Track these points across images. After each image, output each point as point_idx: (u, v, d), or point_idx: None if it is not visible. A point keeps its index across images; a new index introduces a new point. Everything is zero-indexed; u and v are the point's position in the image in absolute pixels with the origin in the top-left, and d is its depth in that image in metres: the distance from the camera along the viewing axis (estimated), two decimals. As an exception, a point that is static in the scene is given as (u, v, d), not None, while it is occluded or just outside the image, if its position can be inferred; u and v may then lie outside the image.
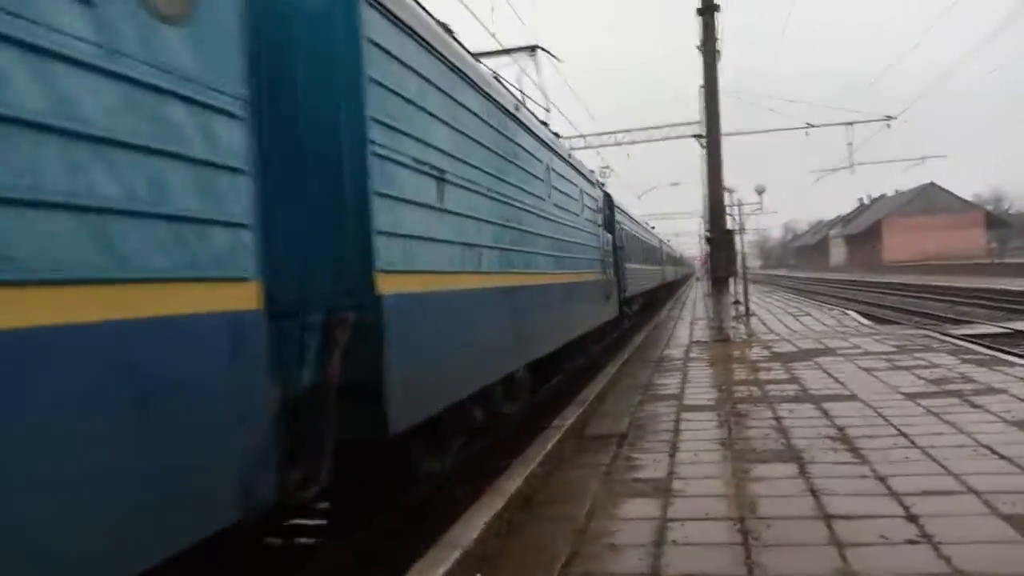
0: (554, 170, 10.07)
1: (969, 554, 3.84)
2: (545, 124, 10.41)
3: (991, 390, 8.21)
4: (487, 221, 6.61)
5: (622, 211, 21.29)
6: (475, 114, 6.40)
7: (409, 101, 4.86)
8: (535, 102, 12.76)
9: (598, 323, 13.56)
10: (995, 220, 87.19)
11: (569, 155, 11.96)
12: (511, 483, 5.87)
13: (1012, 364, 10.03)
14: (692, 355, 13.83)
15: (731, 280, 18.16)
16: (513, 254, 7.42)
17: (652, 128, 35.60)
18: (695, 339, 16.89)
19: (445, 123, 5.57)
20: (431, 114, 5.28)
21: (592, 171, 15.29)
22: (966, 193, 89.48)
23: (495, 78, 8.09)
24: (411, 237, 4.77)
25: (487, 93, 6.87)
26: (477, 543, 4.57)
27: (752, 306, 24.74)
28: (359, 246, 4.16)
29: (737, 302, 24.82)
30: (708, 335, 16.98)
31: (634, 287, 21.53)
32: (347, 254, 4.17)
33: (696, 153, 25.66)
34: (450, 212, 5.57)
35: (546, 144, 9.71)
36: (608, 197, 18.24)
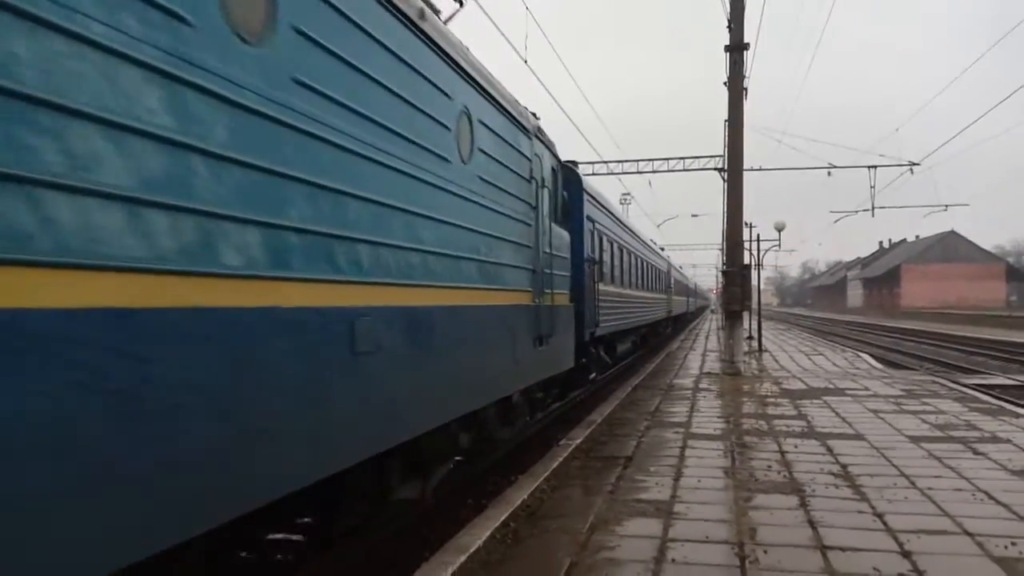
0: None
1: (958, 591, 3.97)
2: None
3: (995, 439, 8.29)
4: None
5: (600, 205, 13.84)
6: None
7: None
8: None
9: (520, 384, 7.64)
10: (1015, 272, 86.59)
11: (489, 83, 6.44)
12: (517, 495, 6.05)
13: (1018, 415, 10.09)
14: (702, 385, 13.94)
15: (745, 315, 18.24)
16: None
17: (675, 159, 35.84)
18: (706, 370, 16.99)
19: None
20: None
21: (527, 112, 7.91)
22: (986, 244, 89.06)
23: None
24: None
25: None
26: (482, 549, 4.75)
27: (765, 342, 24.80)
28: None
29: (751, 337, 24.85)
30: (719, 367, 17.07)
31: (615, 320, 14.87)
32: None
33: (718, 186, 25.12)
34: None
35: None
36: (570, 173, 11.49)
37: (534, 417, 9.55)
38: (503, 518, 5.40)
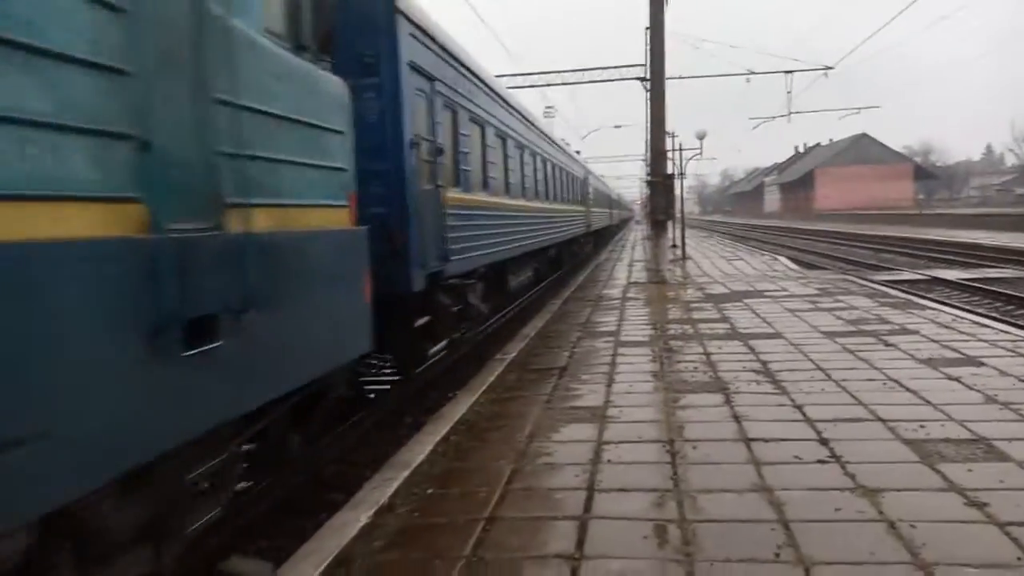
0: None
1: (872, 472, 4.27)
2: None
3: (904, 331, 8.81)
4: None
5: (454, 60, 9.01)
6: None
7: None
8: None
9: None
10: (923, 172, 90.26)
11: None
12: (456, 409, 6.16)
13: (924, 308, 10.71)
14: (629, 295, 14.28)
15: (669, 224, 18.60)
16: None
17: (598, 69, 35.59)
18: (633, 280, 17.37)
19: None
20: None
21: None
22: (897, 145, 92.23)
23: None
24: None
25: None
26: (425, 464, 4.85)
27: (689, 250, 25.42)
28: None
29: (675, 246, 25.43)
30: (645, 277, 17.48)
31: (492, 246, 10.52)
32: None
33: (640, 96, 24.82)
34: None
35: None
36: None
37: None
38: (443, 432, 5.51)
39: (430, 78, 7.89)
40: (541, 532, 3.69)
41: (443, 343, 8.54)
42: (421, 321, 7.63)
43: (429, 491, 4.37)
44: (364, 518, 3.98)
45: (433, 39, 8.10)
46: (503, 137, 12.16)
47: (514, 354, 8.55)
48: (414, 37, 7.40)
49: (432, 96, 7.95)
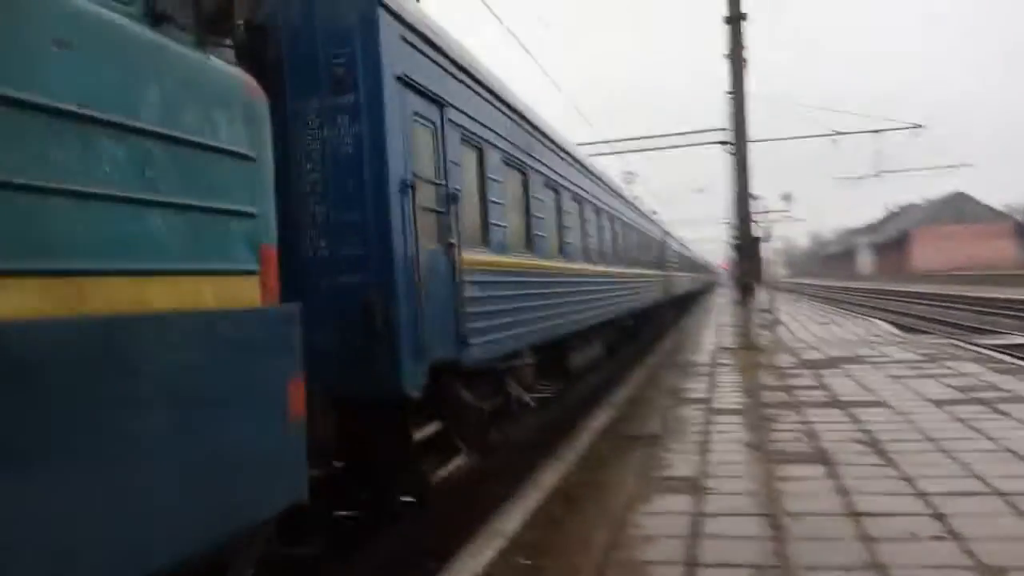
0: None
1: (994, 550, 4.02)
2: None
3: (1018, 398, 8.31)
4: None
5: (469, 78, 6.96)
6: None
7: None
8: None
9: None
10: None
11: None
12: (549, 478, 6.13)
13: (1040, 373, 10.10)
14: (719, 361, 13.98)
15: (757, 287, 18.24)
16: None
17: (677, 134, 35.69)
18: (721, 345, 17.02)
19: None
20: None
21: None
22: (995, 203, 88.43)
23: None
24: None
25: None
26: (520, 532, 4.83)
27: (778, 314, 24.77)
28: None
29: (764, 310, 24.86)
30: (735, 342, 17.10)
31: (538, 321, 8.31)
32: None
33: (720, 160, 24.32)
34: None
35: None
36: None
37: None
38: (537, 500, 5.48)
39: (438, 102, 6.13)
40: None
41: (458, 461, 6.08)
42: (425, 431, 5.58)
43: (526, 561, 4.34)
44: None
45: (441, 52, 6.24)
46: (555, 188, 10.17)
47: (604, 421, 8.46)
48: (409, 44, 5.61)
49: (442, 126, 6.19)
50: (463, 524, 5.34)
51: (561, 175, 10.55)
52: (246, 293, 3.12)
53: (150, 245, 2.61)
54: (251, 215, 3.17)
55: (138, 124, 2.61)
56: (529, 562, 4.33)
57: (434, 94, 6.04)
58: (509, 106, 8.18)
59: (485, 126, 7.30)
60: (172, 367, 2.61)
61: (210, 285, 2.91)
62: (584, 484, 5.96)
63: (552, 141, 10.15)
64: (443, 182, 6.09)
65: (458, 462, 6.05)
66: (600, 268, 12.86)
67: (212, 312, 2.89)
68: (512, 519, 5.10)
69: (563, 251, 10.24)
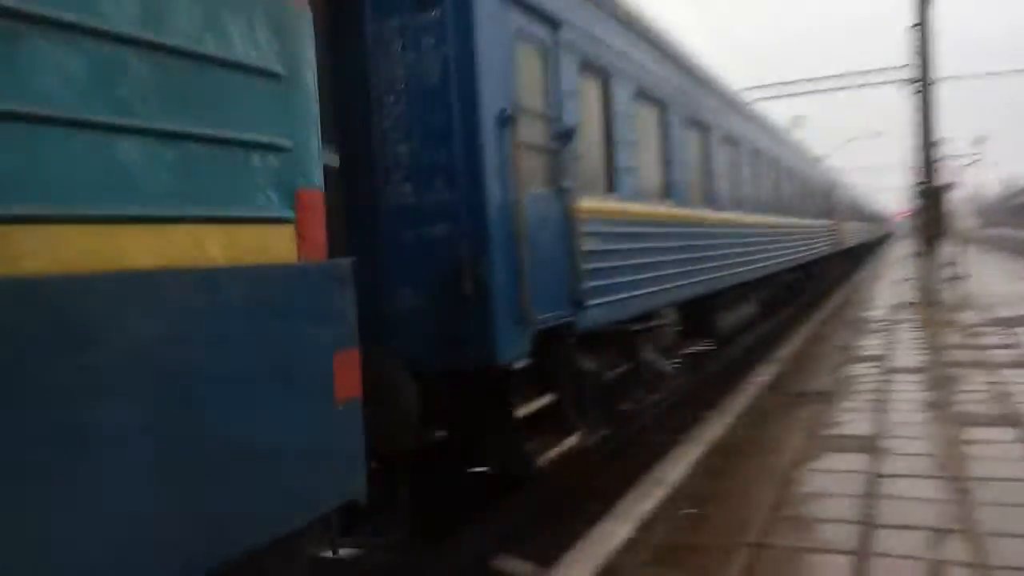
0: None
1: None
2: None
3: None
4: None
5: None
6: None
7: None
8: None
9: None
10: None
11: None
12: (710, 432, 6.10)
13: None
14: (897, 318, 13.13)
15: (942, 239, 16.85)
16: None
17: (852, 74, 33.18)
18: (899, 301, 15.96)
19: None
20: None
21: None
22: None
23: None
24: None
25: None
26: (683, 483, 4.86)
27: (966, 267, 22.83)
28: None
29: (950, 263, 23.03)
30: (915, 297, 15.97)
31: (678, 278, 7.41)
32: None
33: (902, 100, 21.92)
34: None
35: None
36: None
37: None
38: (699, 454, 5.48)
39: (551, 20, 5.21)
40: (814, 567, 3.56)
41: (571, 440, 5.14)
42: (530, 407, 4.75)
43: (690, 510, 4.37)
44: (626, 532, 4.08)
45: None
46: (701, 128, 8.95)
47: (768, 377, 8.23)
48: None
49: (554, 48, 5.27)
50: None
51: (708, 114, 9.36)
52: (276, 246, 2.49)
53: (118, 183, 2.04)
54: (280, 148, 2.56)
55: (100, 25, 1.99)
56: (695, 510, 4.36)
57: (544, 10, 5.11)
58: (643, 29, 7.08)
59: (612, 50, 6.31)
60: (148, 338, 2.03)
61: (217, 235, 2.31)
62: (749, 440, 5.88)
63: (698, 74, 9.08)
64: (556, 115, 5.22)
65: (572, 442, 5.13)
66: (755, 218, 11.63)
67: (215, 270, 2.30)
68: (676, 470, 5.14)
69: (709, 199, 9.13)
